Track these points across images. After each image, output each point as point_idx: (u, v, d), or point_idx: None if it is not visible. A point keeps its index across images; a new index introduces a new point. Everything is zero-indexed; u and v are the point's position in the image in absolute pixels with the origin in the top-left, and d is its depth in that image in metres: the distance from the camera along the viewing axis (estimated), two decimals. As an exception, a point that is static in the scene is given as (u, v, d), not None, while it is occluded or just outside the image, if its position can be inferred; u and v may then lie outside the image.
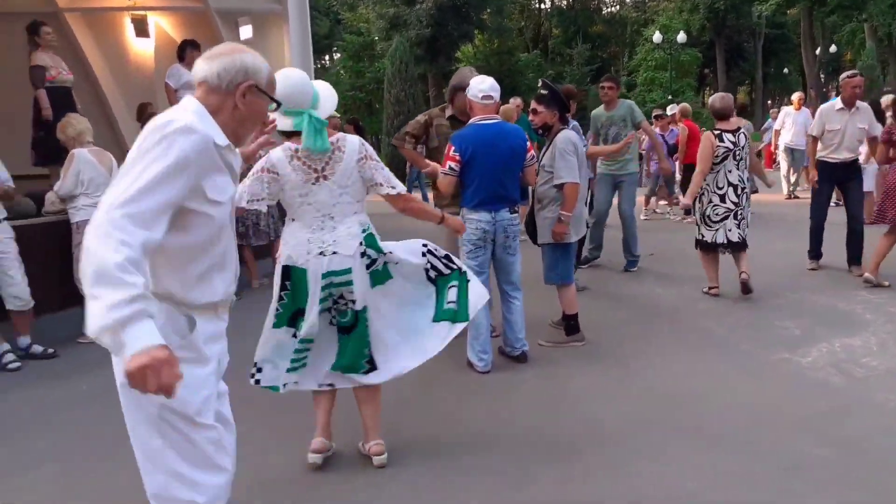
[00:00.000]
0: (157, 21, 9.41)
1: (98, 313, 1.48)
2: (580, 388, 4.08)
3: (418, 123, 4.90)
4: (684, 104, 11.05)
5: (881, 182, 7.11)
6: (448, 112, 4.85)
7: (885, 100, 8.45)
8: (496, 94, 4.26)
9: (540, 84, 5.17)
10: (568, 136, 4.57)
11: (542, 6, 47.80)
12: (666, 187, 10.73)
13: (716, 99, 5.89)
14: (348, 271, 2.93)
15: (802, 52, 32.46)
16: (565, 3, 47.28)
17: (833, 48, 33.97)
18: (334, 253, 2.91)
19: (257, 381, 3.03)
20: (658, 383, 4.08)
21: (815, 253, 6.76)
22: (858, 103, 6.47)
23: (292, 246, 2.95)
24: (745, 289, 5.61)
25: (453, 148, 4.19)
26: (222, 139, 1.84)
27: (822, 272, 6.68)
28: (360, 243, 2.95)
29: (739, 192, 5.62)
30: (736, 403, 3.75)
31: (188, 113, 1.80)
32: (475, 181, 4.21)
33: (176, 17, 9.43)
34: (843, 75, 6.74)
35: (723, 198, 5.62)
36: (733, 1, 32.85)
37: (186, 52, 7.41)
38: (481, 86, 4.23)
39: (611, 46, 43.95)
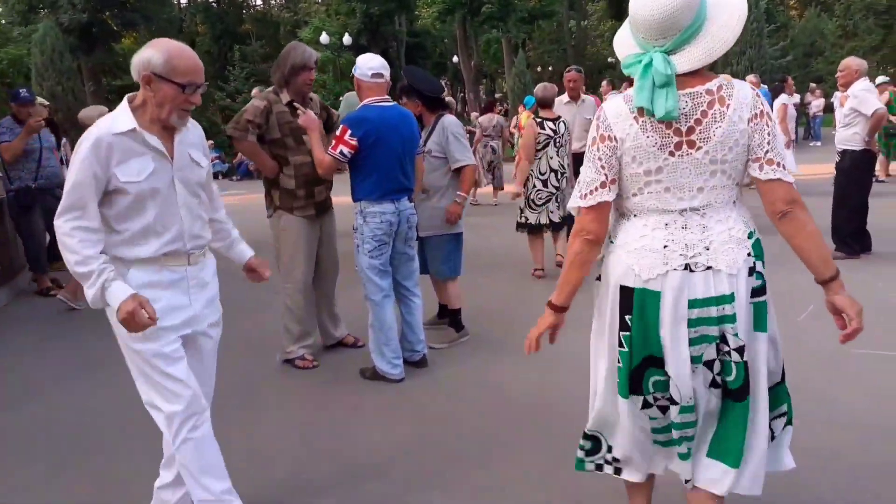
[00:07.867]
0: None
1: (87, 294, 2.15)
2: (505, 380, 3.96)
3: (258, 109, 4.03)
4: None
5: None
6: (285, 97, 4.13)
7: None
8: (387, 73, 3.89)
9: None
10: (455, 119, 4.49)
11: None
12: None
13: (539, 89, 6.16)
14: (731, 298, 1.90)
15: (460, 58, 35.92)
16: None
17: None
18: (708, 268, 1.90)
19: (617, 472, 2.19)
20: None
21: None
22: (584, 96, 7.14)
23: (635, 253, 1.95)
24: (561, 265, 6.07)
25: (349, 132, 3.72)
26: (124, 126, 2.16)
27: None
28: (749, 253, 1.92)
29: (560, 176, 6.02)
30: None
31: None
32: (377, 170, 3.80)
33: None
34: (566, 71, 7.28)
35: (545, 182, 5.98)
36: (386, 7, 34.88)
37: None
38: (371, 63, 3.83)
39: (265, 47, 42.97)
